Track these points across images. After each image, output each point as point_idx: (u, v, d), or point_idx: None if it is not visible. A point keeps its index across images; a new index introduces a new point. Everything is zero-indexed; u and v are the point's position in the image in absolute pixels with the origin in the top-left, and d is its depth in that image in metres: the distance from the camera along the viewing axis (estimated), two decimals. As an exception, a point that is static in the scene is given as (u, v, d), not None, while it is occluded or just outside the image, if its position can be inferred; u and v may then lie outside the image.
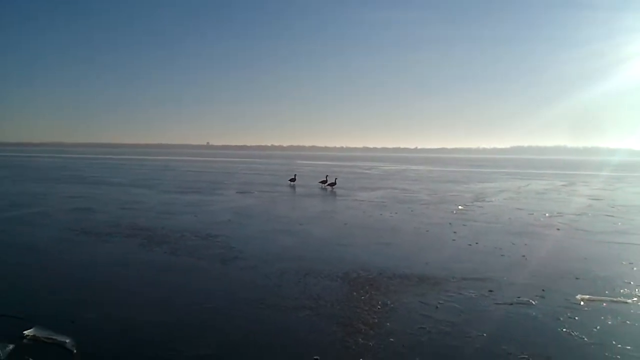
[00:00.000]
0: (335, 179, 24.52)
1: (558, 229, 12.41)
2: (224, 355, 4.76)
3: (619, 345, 5.01)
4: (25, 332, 5.03)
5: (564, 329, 5.48)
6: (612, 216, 15.13)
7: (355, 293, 6.68)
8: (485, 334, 5.30)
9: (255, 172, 42.07)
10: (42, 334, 5.02)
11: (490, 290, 6.89)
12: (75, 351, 4.71)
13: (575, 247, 10.25)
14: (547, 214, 15.30)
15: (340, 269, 7.89)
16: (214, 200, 18.04)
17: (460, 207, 16.86)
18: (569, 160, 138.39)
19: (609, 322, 5.73)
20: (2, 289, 6.82)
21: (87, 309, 5.96)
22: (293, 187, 25.00)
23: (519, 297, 6.60)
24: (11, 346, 4.74)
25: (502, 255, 9.29)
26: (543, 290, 6.96)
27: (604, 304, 6.41)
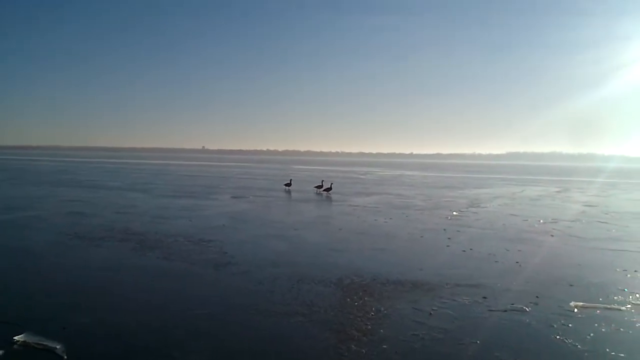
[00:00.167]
0: (331, 184, 24.51)
1: (552, 236, 12.42)
2: (215, 362, 4.73)
3: (613, 353, 5.01)
4: (16, 338, 4.99)
5: (558, 336, 5.47)
6: (606, 223, 15.15)
7: (348, 299, 6.66)
8: (478, 341, 5.28)
9: (251, 176, 42.02)
10: (32, 339, 4.98)
11: (484, 297, 6.89)
12: (65, 357, 4.67)
13: (569, 254, 10.25)
14: (541, 221, 15.31)
15: (334, 275, 7.87)
16: (208, 205, 17.99)
17: (454, 213, 16.86)
18: (564, 166, 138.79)
19: (603, 330, 5.72)
20: (-7, 293, 6.78)
21: (79, 314, 5.92)
22: (288, 192, 24.97)
23: (512, 304, 6.59)
24: (0, 352, 4.70)
25: (496, 261, 9.29)
26: (537, 297, 6.96)
27: (598, 311, 6.41)
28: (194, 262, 8.71)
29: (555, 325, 5.83)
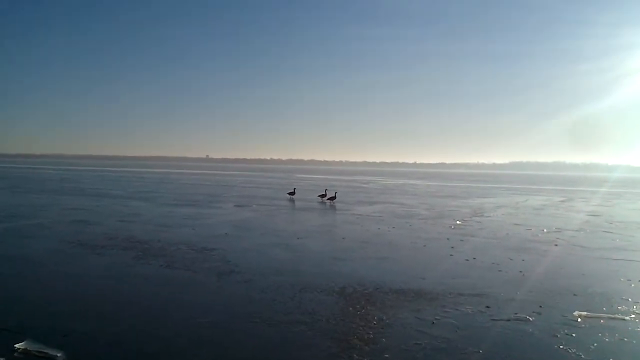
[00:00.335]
0: (335, 193, 24.51)
1: (556, 245, 12.38)
2: (217, 370, 4.72)
3: (616, 363, 4.97)
4: (17, 346, 4.98)
5: (561, 346, 5.44)
6: (610, 232, 15.11)
7: (351, 308, 6.64)
8: (481, 351, 5.26)
9: (254, 185, 42.06)
10: (33, 347, 4.97)
11: (487, 306, 6.86)
12: (67, 365, 4.66)
13: (573, 263, 10.21)
14: (545, 230, 15.27)
15: (336, 284, 7.85)
16: (211, 214, 18.00)
17: (458, 222, 16.83)
18: (568, 176, 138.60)
19: (607, 340, 5.69)
20: (-4, 301, 6.78)
21: (81, 322, 5.91)
22: (292, 200, 24.97)
23: (516, 314, 6.56)
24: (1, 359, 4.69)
25: (499, 270, 9.26)
26: (540, 306, 6.92)
27: (602, 321, 6.37)
28: (197, 270, 8.71)
29: (558, 335, 5.79)
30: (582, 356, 5.16)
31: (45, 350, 4.90)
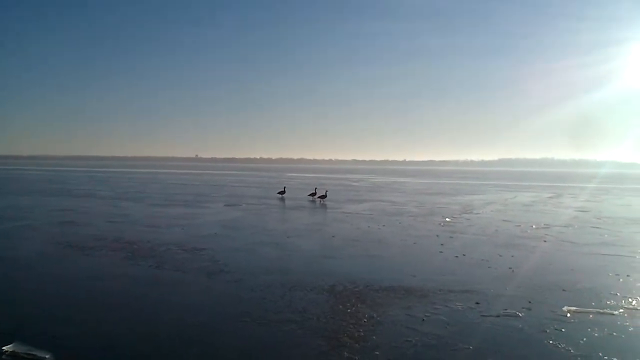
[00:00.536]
0: (326, 191, 24.47)
1: (545, 241, 12.44)
2: (207, 371, 4.69)
3: (605, 357, 5.00)
4: (5, 348, 4.94)
5: (551, 341, 5.46)
6: (599, 228, 15.21)
7: (341, 306, 6.64)
8: (471, 347, 5.27)
9: (244, 184, 41.97)
10: (21, 349, 4.92)
11: (477, 303, 6.88)
12: (55, 367, 4.62)
13: (562, 259, 10.26)
14: (533, 226, 15.35)
15: (326, 282, 7.85)
16: (201, 213, 17.94)
17: (447, 219, 16.88)
18: (557, 172, 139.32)
19: (596, 334, 5.72)
20: (-17, 304, 6.71)
21: (70, 324, 5.87)
22: (282, 199, 24.93)
23: (505, 309, 6.59)
24: (-11, 362, 4.65)
25: (489, 267, 9.29)
26: (530, 302, 6.95)
27: (591, 316, 6.41)
28: (187, 270, 8.67)
29: (548, 330, 5.82)
30: (572, 351, 5.18)
31: (33, 353, 4.86)
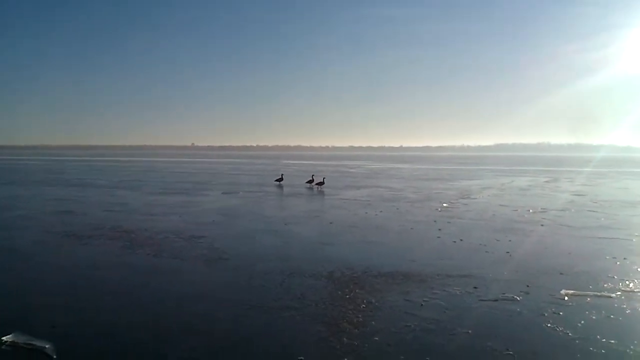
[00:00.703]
0: (323, 178, 24.40)
1: (542, 225, 12.47)
2: (209, 358, 4.70)
3: (603, 340, 5.02)
4: (4, 338, 4.93)
5: (549, 325, 5.49)
6: (595, 211, 15.24)
7: (339, 292, 6.65)
8: (470, 331, 5.29)
9: (241, 172, 41.94)
10: (21, 339, 4.92)
11: (475, 287, 6.90)
12: (55, 357, 4.62)
13: (559, 243, 10.29)
14: (530, 210, 15.38)
15: (325, 268, 7.86)
16: (198, 202, 17.93)
17: (445, 204, 16.90)
18: (553, 156, 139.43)
19: (593, 317, 5.75)
20: (-18, 294, 6.71)
21: (69, 313, 5.87)
22: (280, 187, 24.90)
23: (503, 294, 6.61)
24: (-11, 352, 4.65)
25: (486, 251, 9.32)
26: (527, 286, 6.98)
27: (588, 299, 6.44)
28: (185, 258, 8.68)
29: (546, 314, 5.84)
30: (570, 334, 5.21)
31: (33, 342, 4.85)
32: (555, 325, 5.45)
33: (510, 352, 4.75)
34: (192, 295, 6.64)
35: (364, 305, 6.11)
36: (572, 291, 6.67)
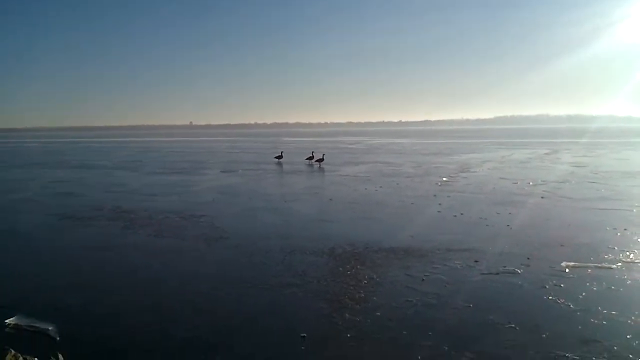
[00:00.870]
0: (323, 155, 24.35)
1: (542, 197, 12.47)
2: (212, 337, 4.71)
3: (605, 311, 5.04)
4: (7, 321, 4.94)
5: (550, 297, 5.50)
6: (595, 183, 15.23)
7: (341, 268, 6.66)
8: (471, 305, 5.30)
9: (240, 150, 41.87)
10: (24, 322, 4.94)
11: (476, 261, 6.91)
12: (58, 338, 4.64)
13: (559, 215, 10.29)
14: (530, 183, 15.37)
15: (325, 245, 7.86)
16: (198, 180, 17.91)
17: (444, 178, 16.89)
18: (553, 128, 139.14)
19: (594, 289, 5.76)
20: (-16, 277, 6.72)
21: (71, 294, 5.89)
22: (280, 164, 24.85)
23: (504, 267, 6.62)
24: (-7, 335, 4.66)
25: (487, 225, 9.32)
26: (528, 258, 6.99)
27: (589, 270, 6.45)
28: (186, 238, 8.68)
29: (547, 286, 5.85)
30: (571, 306, 5.22)
31: (36, 325, 4.87)
32: (556, 298, 5.47)
33: (512, 325, 4.77)
34: (194, 274, 6.65)
35: (365, 281, 6.12)
36: (572, 263, 6.69)
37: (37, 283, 6.40)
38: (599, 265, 6.65)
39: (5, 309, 5.29)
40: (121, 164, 26.63)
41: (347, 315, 5.08)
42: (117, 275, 6.69)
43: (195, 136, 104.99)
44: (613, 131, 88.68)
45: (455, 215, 10.21)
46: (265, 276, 6.43)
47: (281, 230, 9.17)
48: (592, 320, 4.86)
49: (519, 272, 6.42)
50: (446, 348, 4.35)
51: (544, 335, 4.56)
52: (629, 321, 4.82)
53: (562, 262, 6.72)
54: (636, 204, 11.22)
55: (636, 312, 5.02)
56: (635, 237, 8.17)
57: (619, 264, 6.70)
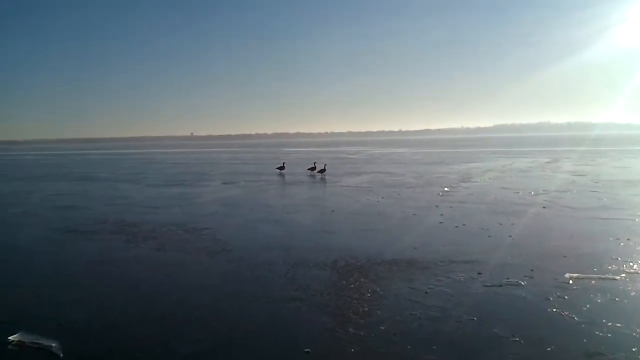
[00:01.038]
0: (325, 165, 24.40)
1: (544, 207, 12.46)
2: (215, 351, 4.70)
3: (609, 323, 5.02)
4: (10, 338, 4.93)
5: (554, 309, 5.49)
6: (597, 191, 15.22)
7: (344, 281, 6.65)
8: (475, 318, 5.29)
9: (241, 161, 41.91)
10: (27, 338, 4.92)
11: (479, 273, 6.89)
12: (62, 355, 4.63)
13: (562, 225, 10.28)
14: (532, 192, 15.36)
15: (328, 257, 7.85)
16: (200, 193, 17.93)
17: (446, 188, 16.88)
18: (552, 136, 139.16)
19: (599, 300, 5.75)
20: (-14, 293, 6.71)
21: (74, 309, 5.88)
22: (282, 175, 24.86)
23: (508, 278, 6.61)
24: (-4, 353, 4.65)
25: (489, 236, 9.31)
26: (531, 270, 6.97)
27: (593, 282, 6.43)
28: (188, 250, 8.68)
29: (551, 298, 5.84)
30: (575, 318, 5.21)
31: (39, 341, 4.85)
32: (560, 310, 5.45)
33: (517, 338, 4.75)
34: (196, 287, 6.65)
35: (369, 294, 6.11)
36: (576, 274, 6.67)
37: (39, 298, 6.40)
38: (603, 276, 6.63)
39: (7, 325, 5.28)
40: (123, 177, 26.65)
41: (351, 329, 5.07)
42: (119, 289, 6.68)
43: (196, 147, 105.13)
44: (613, 139, 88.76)
45: (457, 226, 10.20)
46: (268, 289, 6.43)
47: (283, 242, 9.17)
48: (597, 332, 4.84)
49: (523, 283, 6.40)
50: (451, 362, 4.35)
51: (549, 349, 4.55)
52: (634, 334, 4.81)
53: (565, 274, 6.70)
54: (638, 213, 11.21)
55: (641, 324, 5.01)
56: (638, 247, 8.15)
57: (623, 274, 6.69)
